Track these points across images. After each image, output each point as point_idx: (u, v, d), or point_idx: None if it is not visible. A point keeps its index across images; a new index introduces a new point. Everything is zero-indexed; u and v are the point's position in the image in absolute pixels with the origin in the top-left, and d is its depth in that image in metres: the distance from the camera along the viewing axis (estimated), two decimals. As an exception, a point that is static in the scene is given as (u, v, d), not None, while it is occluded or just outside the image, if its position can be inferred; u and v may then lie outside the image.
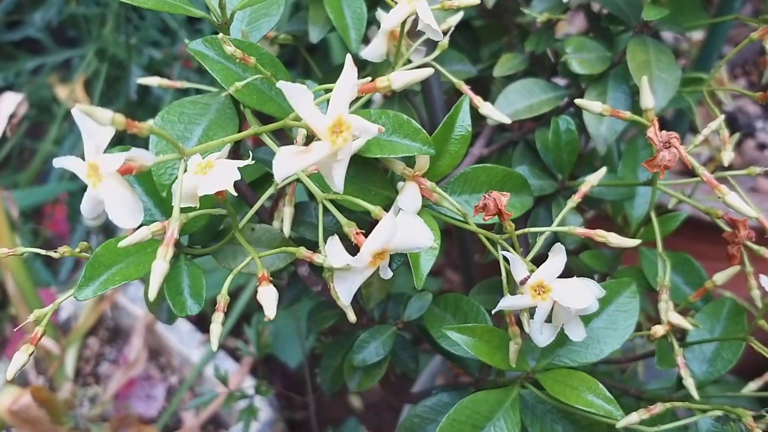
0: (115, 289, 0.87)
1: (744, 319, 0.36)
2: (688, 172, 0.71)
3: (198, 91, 1.04)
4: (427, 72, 0.27)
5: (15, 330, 0.95)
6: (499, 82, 0.47)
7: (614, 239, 0.31)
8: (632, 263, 0.43)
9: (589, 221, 0.45)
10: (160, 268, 0.24)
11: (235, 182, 0.26)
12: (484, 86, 0.50)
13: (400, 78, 0.26)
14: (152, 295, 0.24)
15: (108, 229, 0.97)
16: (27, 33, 1.12)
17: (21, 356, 0.29)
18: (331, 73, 0.46)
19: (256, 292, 0.66)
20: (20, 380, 0.75)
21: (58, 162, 0.24)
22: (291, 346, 0.85)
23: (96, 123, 0.22)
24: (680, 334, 0.36)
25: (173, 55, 1.03)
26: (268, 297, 0.26)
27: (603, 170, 0.35)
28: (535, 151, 0.43)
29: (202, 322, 0.89)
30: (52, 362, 0.72)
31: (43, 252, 0.34)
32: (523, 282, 0.28)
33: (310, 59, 0.48)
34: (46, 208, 1.09)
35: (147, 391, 0.81)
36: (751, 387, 0.37)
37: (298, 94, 0.23)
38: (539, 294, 0.28)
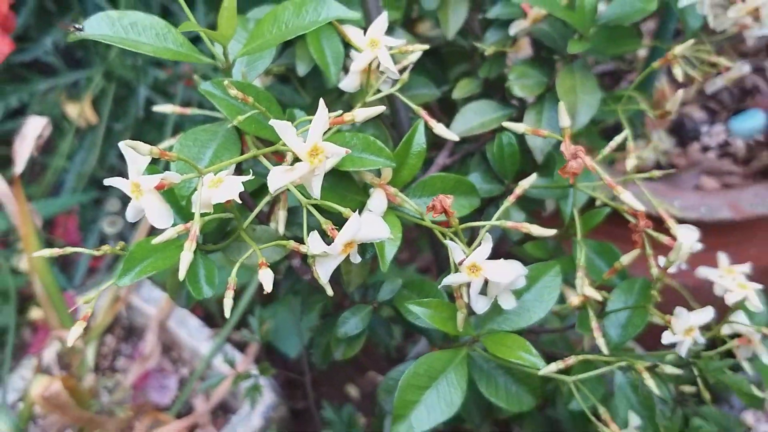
0: (130, 291, 0.95)
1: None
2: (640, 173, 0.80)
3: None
4: (380, 109, 0.36)
5: (36, 331, 1.04)
6: (461, 101, 0.56)
7: (536, 230, 0.39)
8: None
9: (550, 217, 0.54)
10: (186, 257, 0.33)
11: (240, 192, 0.34)
12: (451, 104, 0.59)
13: (361, 113, 0.35)
14: (181, 275, 0.32)
15: (123, 237, 1.06)
16: (37, 55, 1.20)
17: (77, 329, 0.38)
18: (320, 91, 0.55)
19: (257, 291, 0.75)
20: (45, 373, 0.84)
21: (108, 181, 0.33)
22: (290, 338, 0.94)
23: (137, 153, 0.31)
24: (601, 306, 0.45)
25: (177, 75, 1.11)
26: (266, 277, 0.35)
27: (533, 176, 0.44)
28: (488, 161, 0.51)
29: (208, 320, 0.98)
30: (75, 356, 0.81)
31: (86, 251, 0.43)
32: (460, 263, 0.37)
33: (299, 86, 0.56)
34: (59, 219, 1.18)
35: (161, 382, 0.90)
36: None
37: (284, 129, 0.32)
38: (473, 272, 0.37)
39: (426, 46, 0.45)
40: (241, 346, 0.92)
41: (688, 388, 0.52)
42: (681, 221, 0.71)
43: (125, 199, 1.11)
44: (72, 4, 1.23)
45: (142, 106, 1.09)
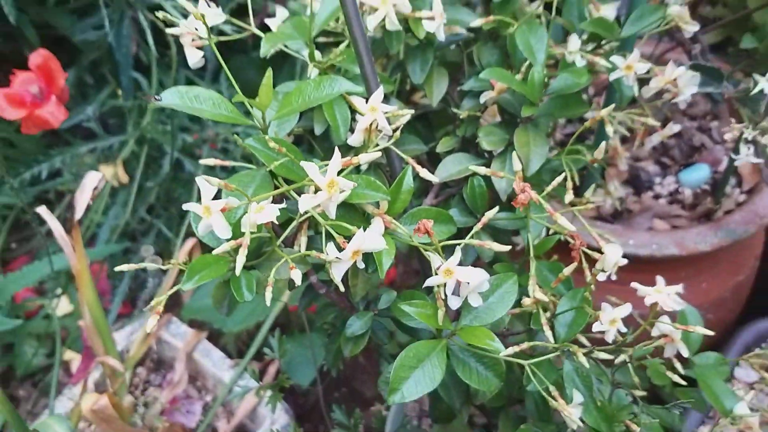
0: (159, 326, 1.08)
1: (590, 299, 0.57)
2: (601, 217, 0.93)
3: (223, 169, 1.27)
4: (378, 154, 0.50)
5: (69, 371, 1.15)
6: (443, 154, 0.70)
7: (496, 246, 0.52)
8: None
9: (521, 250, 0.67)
10: (241, 258, 0.46)
11: (272, 222, 0.48)
12: (436, 157, 0.73)
13: (363, 157, 0.49)
14: (238, 270, 0.46)
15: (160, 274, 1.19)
16: (79, 121, 1.35)
17: (152, 319, 0.50)
18: (330, 149, 0.69)
19: (274, 326, 0.88)
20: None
21: (187, 206, 0.46)
22: (303, 369, 1.06)
23: (209, 185, 0.45)
24: (553, 310, 0.58)
25: (202, 139, 1.27)
26: (296, 274, 0.48)
27: (495, 209, 0.57)
28: (465, 199, 0.65)
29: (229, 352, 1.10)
30: (116, 379, 0.93)
31: (153, 266, 0.56)
32: (438, 269, 0.50)
33: (314, 142, 0.70)
34: (94, 267, 1.31)
35: (187, 407, 1.01)
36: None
37: (311, 168, 0.46)
38: (447, 275, 0.50)
39: (411, 111, 0.59)
40: (260, 375, 1.03)
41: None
42: (635, 257, 0.84)
43: (161, 249, 1.24)
44: (107, 78, 1.40)
45: (171, 166, 1.24)
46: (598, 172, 0.88)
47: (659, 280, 0.66)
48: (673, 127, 0.75)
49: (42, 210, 0.85)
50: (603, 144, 0.59)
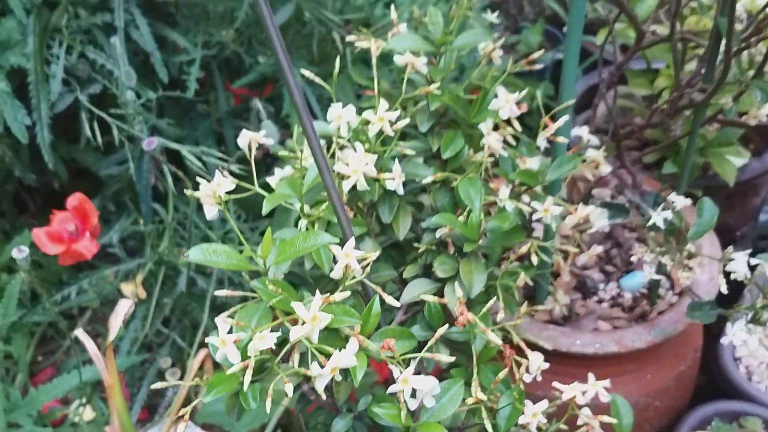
0: (177, 429, 1.21)
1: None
2: (553, 320, 1.09)
3: (231, 282, 1.43)
4: (346, 294, 0.67)
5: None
6: (409, 279, 0.87)
7: (443, 358, 0.68)
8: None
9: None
10: (249, 373, 0.62)
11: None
12: (404, 281, 0.89)
13: (339, 296, 0.66)
14: (245, 386, 0.61)
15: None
16: (104, 245, 1.53)
17: (182, 426, 0.65)
18: (318, 278, 0.85)
19: (276, 427, 1.04)
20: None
21: (209, 340, 0.63)
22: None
23: (224, 323, 0.61)
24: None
25: (212, 259, 1.44)
26: (288, 387, 0.63)
27: (446, 326, 0.73)
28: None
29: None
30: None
31: (174, 383, 0.71)
32: (396, 377, 0.65)
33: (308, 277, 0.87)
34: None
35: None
36: None
37: (298, 306, 0.62)
38: (404, 383, 0.65)
39: (378, 252, 0.76)
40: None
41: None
42: (583, 355, 1.00)
43: (175, 358, 1.39)
44: (128, 206, 1.59)
45: (185, 285, 1.41)
46: (548, 283, 1.05)
47: (590, 376, 0.81)
48: (596, 249, 0.93)
49: (79, 332, 1.01)
50: (522, 274, 0.76)
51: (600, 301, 1.10)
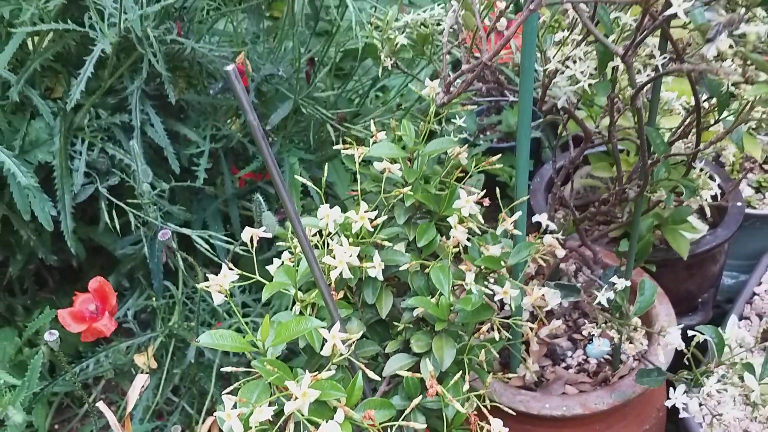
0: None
1: None
2: (525, 386, 1.20)
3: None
4: (331, 372, 0.79)
5: None
6: (391, 353, 0.99)
7: (418, 426, 0.80)
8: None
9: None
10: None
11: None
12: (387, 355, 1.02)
13: (325, 374, 0.78)
14: None
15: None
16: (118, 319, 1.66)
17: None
18: (311, 352, 0.98)
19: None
20: None
21: (217, 414, 0.75)
22: None
23: (230, 400, 0.74)
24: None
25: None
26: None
27: (420, 397, 0.85)
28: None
29: None
30: None
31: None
32: (375, 443, 0.77)
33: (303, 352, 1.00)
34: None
35: None
36: None
37: (291, 384, 0.75)
38: (382, 447, 0.77)
39: (361, 332, 0.89)
40: None
41: None
42: (552, 417, 1.12)
43: (184, 425, 1.50)
44: (141, 281, 1.73)
45: (194, 356, 1.53)
46: (519, 352, 1.17)
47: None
48: (556, 323, 1.05)
49: (101, 405, 1.13)
50: (483, 351, 0.88)
51: (567, 367, 1.21)
